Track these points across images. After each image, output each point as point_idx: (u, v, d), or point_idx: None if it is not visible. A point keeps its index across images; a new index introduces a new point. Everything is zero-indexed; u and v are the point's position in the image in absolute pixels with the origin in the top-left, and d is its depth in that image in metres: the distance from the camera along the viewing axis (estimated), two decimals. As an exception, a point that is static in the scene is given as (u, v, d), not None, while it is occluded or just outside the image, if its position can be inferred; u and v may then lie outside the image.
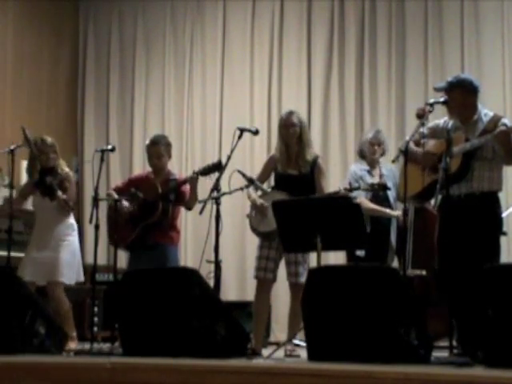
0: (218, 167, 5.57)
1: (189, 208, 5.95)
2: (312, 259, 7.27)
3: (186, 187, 5.78)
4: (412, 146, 5.02)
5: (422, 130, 4.95)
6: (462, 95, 4.92)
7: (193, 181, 5.69)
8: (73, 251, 5.94)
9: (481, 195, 4.84)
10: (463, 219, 4.80)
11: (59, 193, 5.80)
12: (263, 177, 5.75)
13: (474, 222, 4.79)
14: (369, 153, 6.08)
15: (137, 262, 5.81)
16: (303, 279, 5.45)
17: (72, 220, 6.03)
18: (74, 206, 5.99)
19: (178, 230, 5.98)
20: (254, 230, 5.57)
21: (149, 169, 6.13)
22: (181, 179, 5.88)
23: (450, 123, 4.99)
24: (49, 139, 6.02)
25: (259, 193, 5.62)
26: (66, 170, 6.03)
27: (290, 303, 5.63)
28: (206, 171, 5.62)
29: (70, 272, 5.90)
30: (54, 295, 5.85)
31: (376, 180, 5.87)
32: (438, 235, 4.94)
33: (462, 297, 4.66)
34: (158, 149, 5.90)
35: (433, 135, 5.04)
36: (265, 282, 5.57)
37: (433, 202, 5.38)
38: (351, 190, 5.45)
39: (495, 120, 4.90)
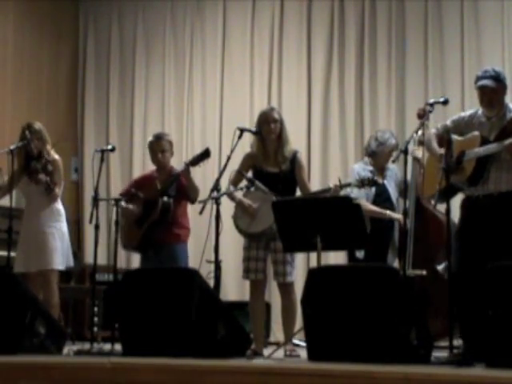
0: (206, 155, 5.64)
1: (192, 201, 5.91)
2: (312, 259, 7.30)
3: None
4: (434, 144, 4.95)
5: (420, 132, 4.90)
6: (504, 89, 4.86)
7: (184, 172, 5.70)
8: (61, 237, 5.92)
9: (499, 195, 4.75)
10: (484, 219, 4.73)
11: (41, 175, 5.81)
12: (241, 175, 5.64)
13: (494, 222, 4.70)
14: (385, 159, 5.93)
15: (147, 263, 5.84)
16: (291, 278, 5.49)
17: (59, 206, 6.00)
18: (58, 191, 5.94)
19: (186, 226, 5.99)
20: (242, 231, 5.54)
21: (151, 168, 6.14)
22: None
23: (475, 118, 4.92)
24: (35, 125, 6.02)
25: (240, 193, 5.60)
26: (55, 156, 6.01)
27: (280, 303, 5.65)
28: (196, 160, 5.68)
29: (61, 258, 5.90)
30: (47, 284, 5.83)
31: (380, 181, 5.85)
32: (458, 235, 4.85)
33: (469, 296, 4.62)
34: (162, 143, 5.93)
35: (456, 129, 4.94)
36: (258, 283, 5.57)
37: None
38: (341, 186, 5.40)
39: None
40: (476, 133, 4.84)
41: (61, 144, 6.29)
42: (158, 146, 5.92)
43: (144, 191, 5.86)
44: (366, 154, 6.12)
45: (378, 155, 5.97)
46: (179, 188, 5.82)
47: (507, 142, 4.66)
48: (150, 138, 6.08)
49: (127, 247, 5.99)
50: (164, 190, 5.77)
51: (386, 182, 5.95)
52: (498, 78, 4.83)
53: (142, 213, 5.81)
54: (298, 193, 5.64)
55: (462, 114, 5.05)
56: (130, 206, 5.84)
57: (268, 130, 5.57)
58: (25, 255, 5.89)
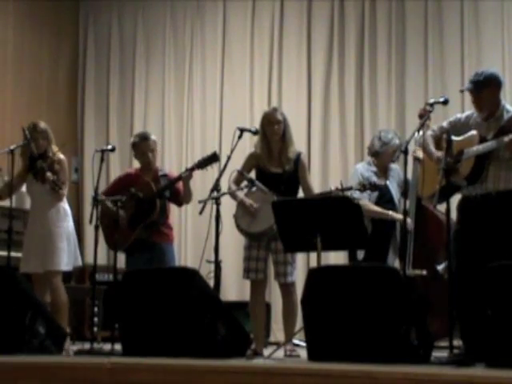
0: (214, 158, 5.61)
1: (180, 205, 5.97)
2: (312, 259, 7.30)
3: (180, 184, 5.78)
4: (431, 146, 4.94)
5: (421, 132, 4.90)
6: (491, 93, 4.81)
7: (186, 178, 5.69)
8: (67, 237, 5.89)
9: (497, 195, 4.73)
10: (482, 219, 4.71)
11: (48, 174, 5.79)
12: (242, 176, 5.63)
13: (493, 222, 4.69)
14: (389, 159, 5.85)
15: (136, 263, 5.80)
16: (292, 278, 5.50)
17: (65, 205, 5.98)
18: (64, 191, 5.93)
19: (171, 227, 5.99)
20: (243, 230, 5.54)
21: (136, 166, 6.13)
22: (173, 176, 5.88)
23: (472, 119, 4.92)
24: (41, 125, 6.00)
25: (242, 192, 5.59)
26: (60, 155, 6.01)
27: (282, 303, 5.64)
28: (202, 164, 5.64)
29: (67, 258, 5.87)
30: (52, 284, 5.81)
31: (382, 182, 5.84)
32: (456, 236, 4.84)
33: (469, 296, 4.61)
34: (150, 143, 5.93)
35: (453, 130, 4.92)
36: (258, 283, 5.57)
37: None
38: (343, 189, 5.39)
39: None
40: (474, 132, 4.83)
41: (64, 146, 6.29)
42: (147, 147, 5.91)
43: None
44: (369, 153, 6.11)
45: (381, 155, 5.95)
46: (172, 190, 5.81)
47: (507, 138, 4.65)
48: (134, 139, 6.05)
49: (118, 248, 5.74)
50: (161, 192, 5.75)
51: (388, 182, 5.94)
52: (477, 82, 4.78)
53: (136, 213, 5.77)
54: (301, 194, 5.63)
55: (459, 116, 5.03)
56: (121, 213, 5.73)
57: (271, 131, 5.56)
58: (31, 255, 5.85)
